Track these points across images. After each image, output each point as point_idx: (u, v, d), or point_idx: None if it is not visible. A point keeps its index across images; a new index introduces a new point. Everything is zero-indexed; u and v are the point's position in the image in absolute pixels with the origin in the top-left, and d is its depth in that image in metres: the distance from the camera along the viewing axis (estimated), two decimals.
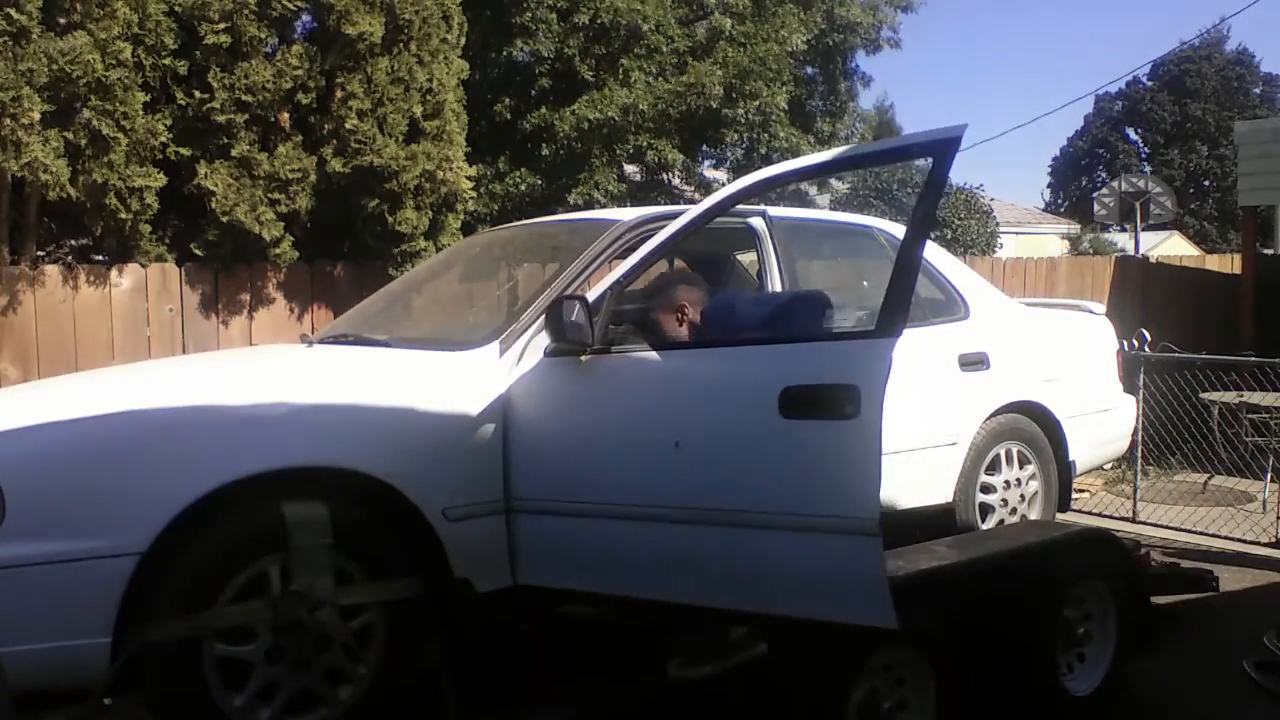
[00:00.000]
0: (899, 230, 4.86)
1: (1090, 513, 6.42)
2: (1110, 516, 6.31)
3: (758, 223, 4.12)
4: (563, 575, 3.18)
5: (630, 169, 10.32)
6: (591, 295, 3.17)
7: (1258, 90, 40.22)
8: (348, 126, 6.22)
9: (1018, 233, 23.74)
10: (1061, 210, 37.43)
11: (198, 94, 6.01)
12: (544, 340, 3.19)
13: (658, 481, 2.92)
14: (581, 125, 9.26)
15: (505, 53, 9.78)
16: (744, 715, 3.12)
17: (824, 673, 2.96)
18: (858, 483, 2.63)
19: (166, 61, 5.94)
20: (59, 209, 5.96)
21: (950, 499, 4.42)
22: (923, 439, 4.29)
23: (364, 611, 2.98)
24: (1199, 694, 3.80)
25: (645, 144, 9.56)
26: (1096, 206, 17.67)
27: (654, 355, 3.07)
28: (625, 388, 3.06)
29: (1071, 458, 4.86)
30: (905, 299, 2.69)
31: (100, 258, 6.25)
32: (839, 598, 2.69)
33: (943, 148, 2.73)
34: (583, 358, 3.05)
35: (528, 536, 3.19)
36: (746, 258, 4.50)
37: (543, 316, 3.14)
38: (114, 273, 5.86)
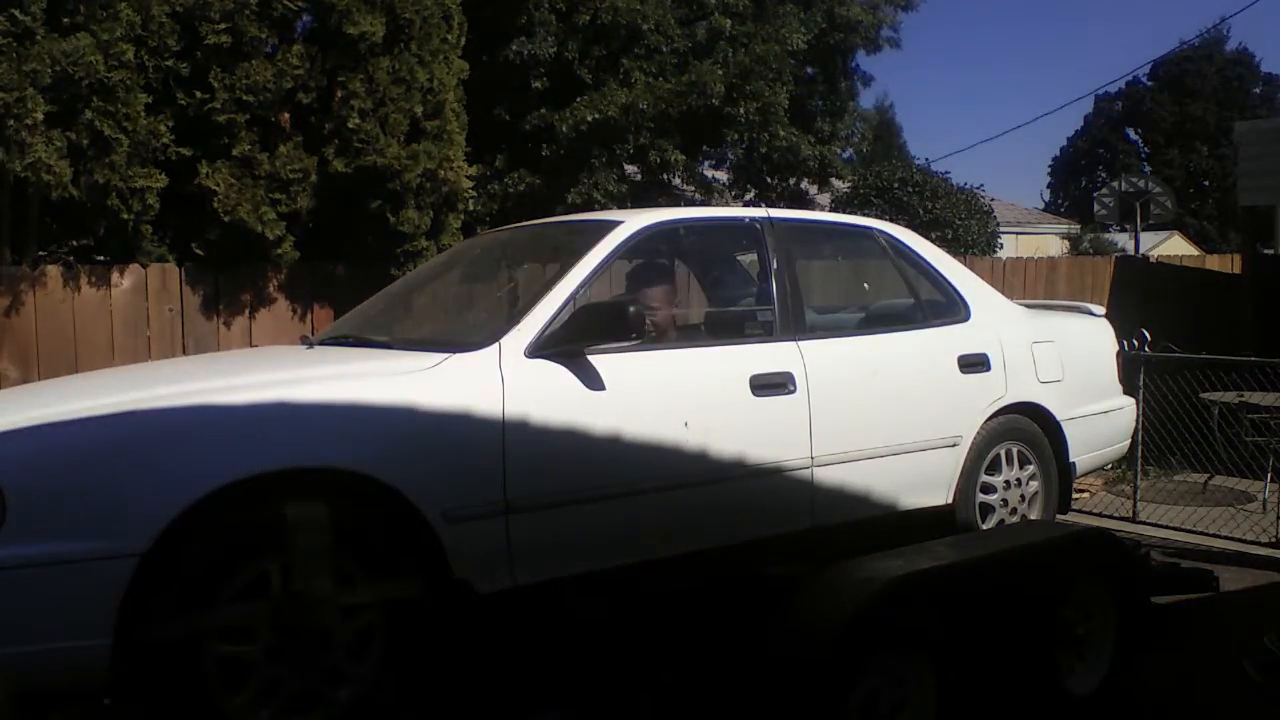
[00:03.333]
0: (899, 232, 4.86)
1: (1090, 513, 6.41)
2: (1110, 516, 6.30)
3: (759, 224, 4.13)
4: (598, 557, 3.39)
5: (630, 169, 10.31)
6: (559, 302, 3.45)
7: (1258, 90, 40.21)
8: (349, 126, 6.22)
9: (1018, 233, 23.72)
10: (1061, 210, 37.39)
11: (198, 94, 6.01)
12: (543, 341, 3.22)
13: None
14: (581, 125, 9.23)
15: (505, 54, 9.77)
16: (744, 713, 3.12)
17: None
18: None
19: (168, 63, 5.93)
20: (61, 209, 5.96)
21: (951, 499, 4.43)
22: (924, 439, 4.29)
23: (364, 611, 2.98)
24: (1199, 694, 3.80)
25: (646, 143, 9.54)
26: (1096, 206, 17.68)
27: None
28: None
29: (1072, 459, 4.87)
30: None
31: (101, 258, 6.25)
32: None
33: None
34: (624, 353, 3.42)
35: (538, 531, 3.22)
36: (748, 258, 4.51)
37: (570, 316, 3.41)
38: (115, 273, 5.86)
